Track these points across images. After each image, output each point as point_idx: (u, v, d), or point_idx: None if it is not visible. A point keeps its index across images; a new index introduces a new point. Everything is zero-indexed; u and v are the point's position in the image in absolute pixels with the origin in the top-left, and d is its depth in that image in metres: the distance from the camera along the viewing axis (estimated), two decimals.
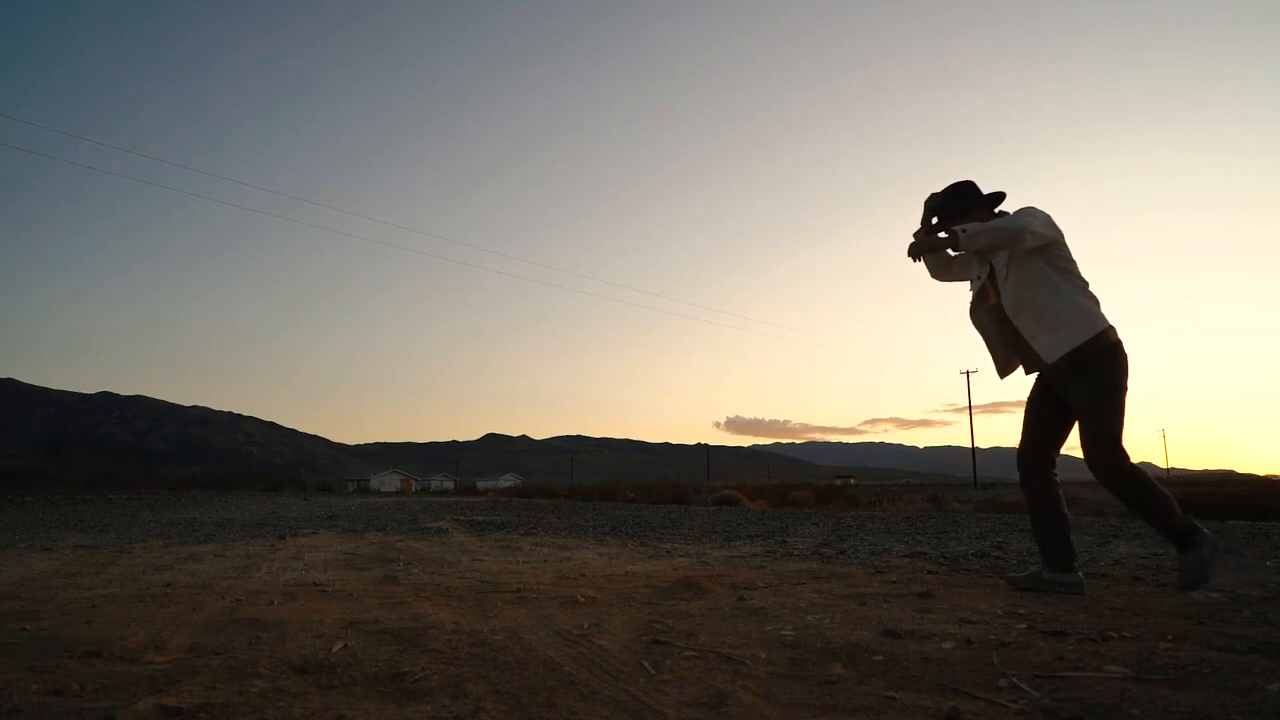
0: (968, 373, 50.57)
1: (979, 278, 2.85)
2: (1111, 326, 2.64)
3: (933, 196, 2.87)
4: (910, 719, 1.27)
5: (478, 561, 4.18)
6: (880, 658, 1.67)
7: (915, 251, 2.89)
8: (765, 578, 3.19)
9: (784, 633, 1.94)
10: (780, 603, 2.45)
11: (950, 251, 2.92)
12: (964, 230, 2.61)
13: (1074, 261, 2.69)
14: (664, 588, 2.88)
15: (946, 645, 1.78)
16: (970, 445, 50.43)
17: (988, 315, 2.83)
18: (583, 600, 2.57)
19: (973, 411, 49.99)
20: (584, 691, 1.43)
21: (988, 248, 2.64)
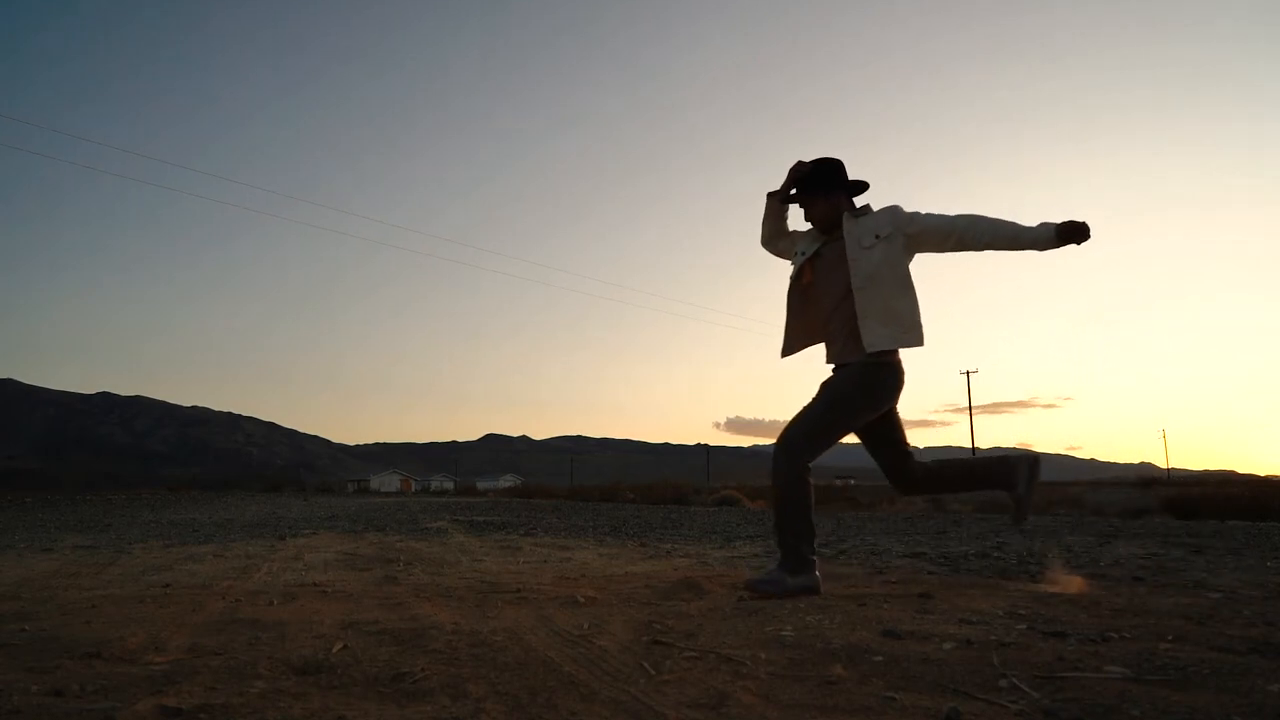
0: (968, 373, 50.54)
1: (802, 254, 2.84)
2: (920, 344, 2.67)
3: (800, 165, 2.82)
4: (910, 719, 1.27)
5: (478, 562, 4.18)
6: (880, 658, 1.67)
7: (770, 207, 2.93)
8: None
9: (784, 633, 1.94)
10: (780, 603, 2.45)
11: (792, 223, 2.96)
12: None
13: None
14: (664, 588, 2.88)
15: (946, 646, 1.77)
16: (970, 445, 50.42)
17: (797, 294, 2.85)
18: (583, 600, 2.57)
19: (973, 412, 49.95)
20: (584, 692, 1.43)
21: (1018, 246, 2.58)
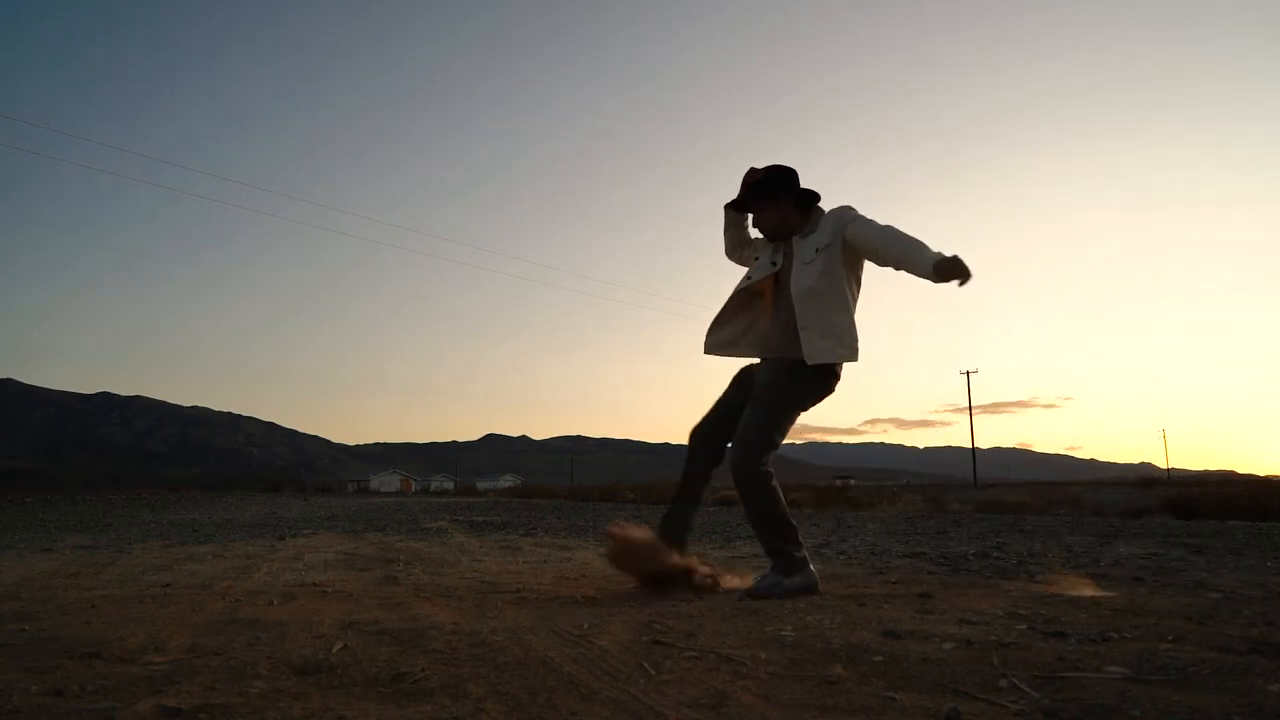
0: (968, 373, 50.60)
1: (772, 264, 2.82)
2: (855, 359, 2.71)
3: (753, 171, 2.81)
4: (910, 719, 1.27)
5: (478, 562, 4.18)
6: (880, 658, 1.67)
7: (728, 217, 2.96)
8: None
9: (784, 633, 1.94)
10: (780, 603, 2.45)
11: (752, 232, 2.98)
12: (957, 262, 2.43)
13: (860, 283, 2.76)
14: (664, 588, 2.87)
15: (946, 646, 1.77)
16: (970, 445, 50.44)
17: (745, 299, 2.85)
18: (583, 600, 2.57)
19: (973, 412, 50.07)
20: (584, 692, 1.43)
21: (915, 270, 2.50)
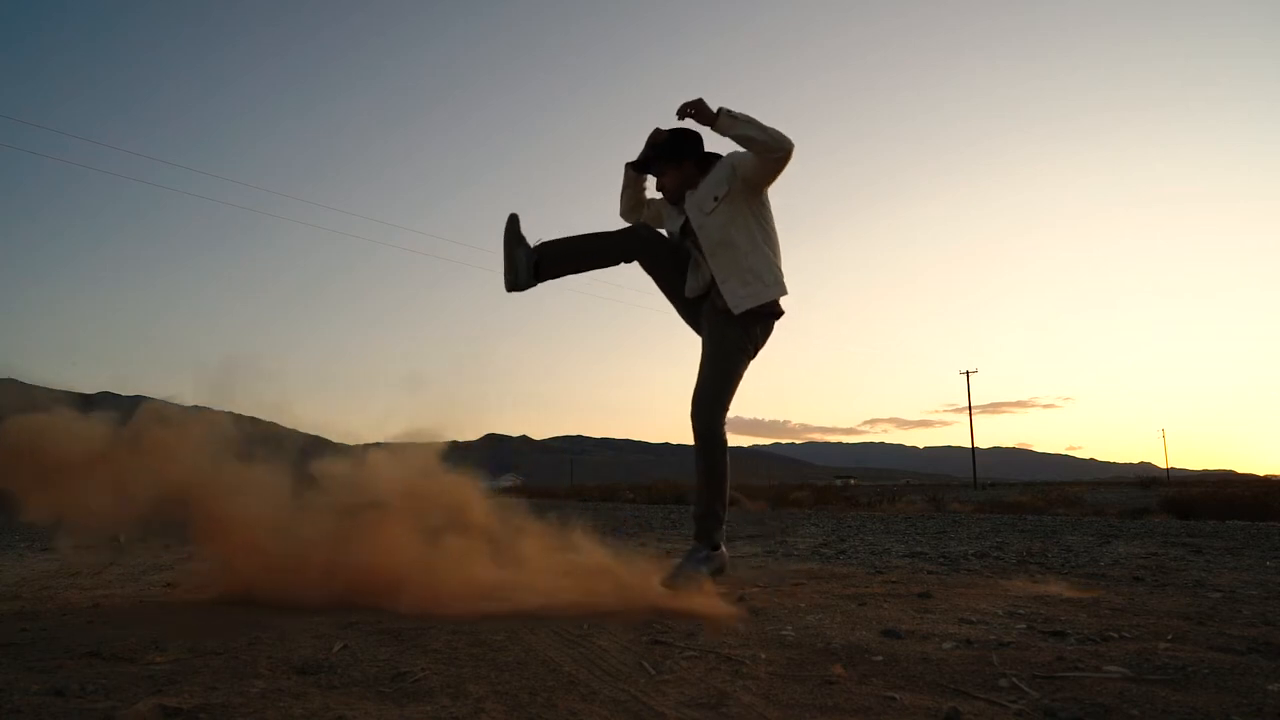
0: (967, 373, 50.59)
1: (671, 234, 2.81)
2: (784, 294, 2.69)
3: (657, 132, 2.77)
4: (910, 719, 1.27)
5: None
6: (880, 658, 1.67)
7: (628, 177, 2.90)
8: (765, 578, 3.19)
9: (784, 633, 1.94)
10: (780, 603, 2.45)
11: (649, 194, 2.94)
12: (730, 111, 2.52)
13: (772, 217, 2.71)
14: None
15: (946, 645, 1.78)
16: (970, 445, 50.43)
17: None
18: (583, 600, 2.57)
19: (972, 412, 50.06)
20: (584, 692, 1.44)
21: (742, 138, 2.53)
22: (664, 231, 2.88)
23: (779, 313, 2.71)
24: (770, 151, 2.51)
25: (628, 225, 2.84)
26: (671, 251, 2.80)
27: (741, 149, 2.59)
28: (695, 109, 2.56)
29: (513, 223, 2.68)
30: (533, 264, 2.66)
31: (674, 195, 2.80)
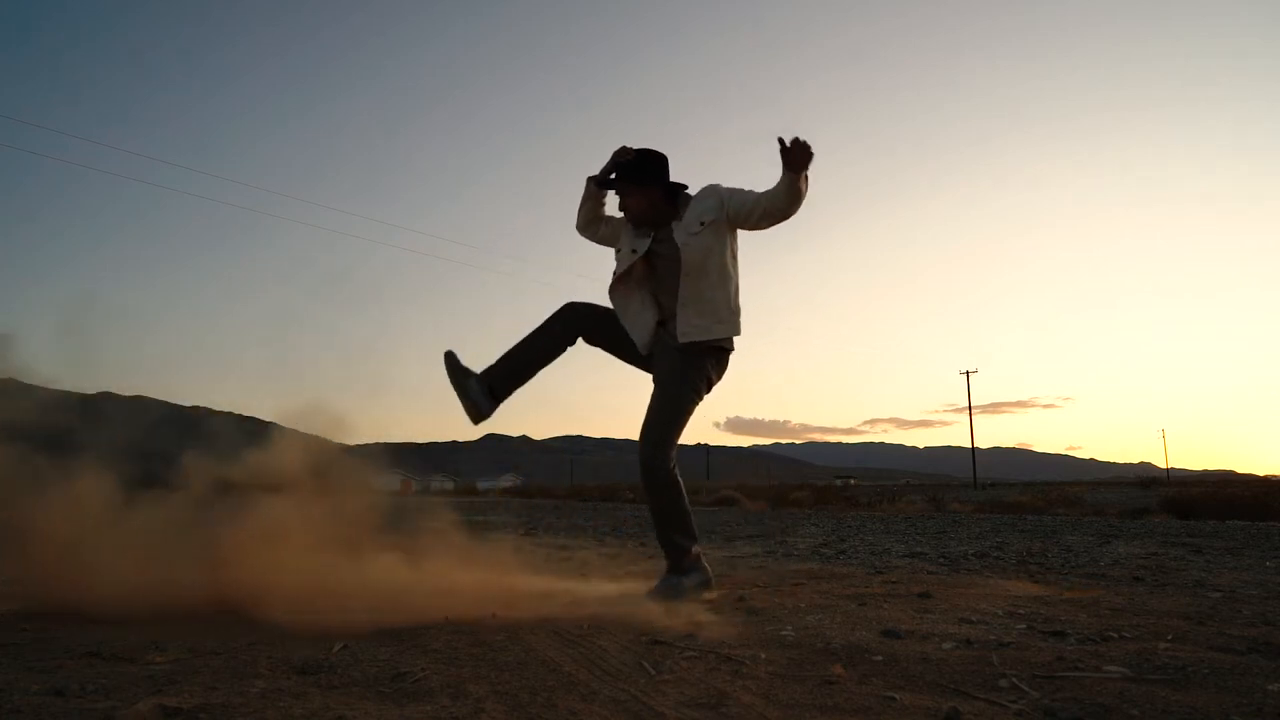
0: (967, 373, 50.58)
1: (633, 251, 2.73)
2: (735, 334, 2.68)
3: (624, 150, 2.73)
4: (910, 719, 1.28)
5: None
6: (880, 658, 1.67)
7: (589, 191, 2.86)
8: (765, 578, 3.19)
9: (784, 633, 1.94)
10: (780, 603, 2.45)
11: (607, 210, 2.91)
12: (807, 178, 2.50)
13: (738, 255, 2.73)
14: None
15: (946, 645, 1.78)
16: (970, 445, 50.44)
17: (635, 285, 2.74)
18: (582, 600, 2.57)
19: (972, 412, 50.04)
20: (584, 692, 1.44)
21: (791, 194, 2.52)
22: (623, 250, 2.79)
23: (730, 348, 2.71)
24: (784, 218, 2.57)
25: (558, 311, 2.76)
26: (607, 314, 2.77)
27: (728, 187, 2.64)
28: (805, 152, 2.45)
29: (451, 360, 2.67)
30: (486, 390, 2.66)
31: (637, 219, 2.74)
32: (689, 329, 2.59)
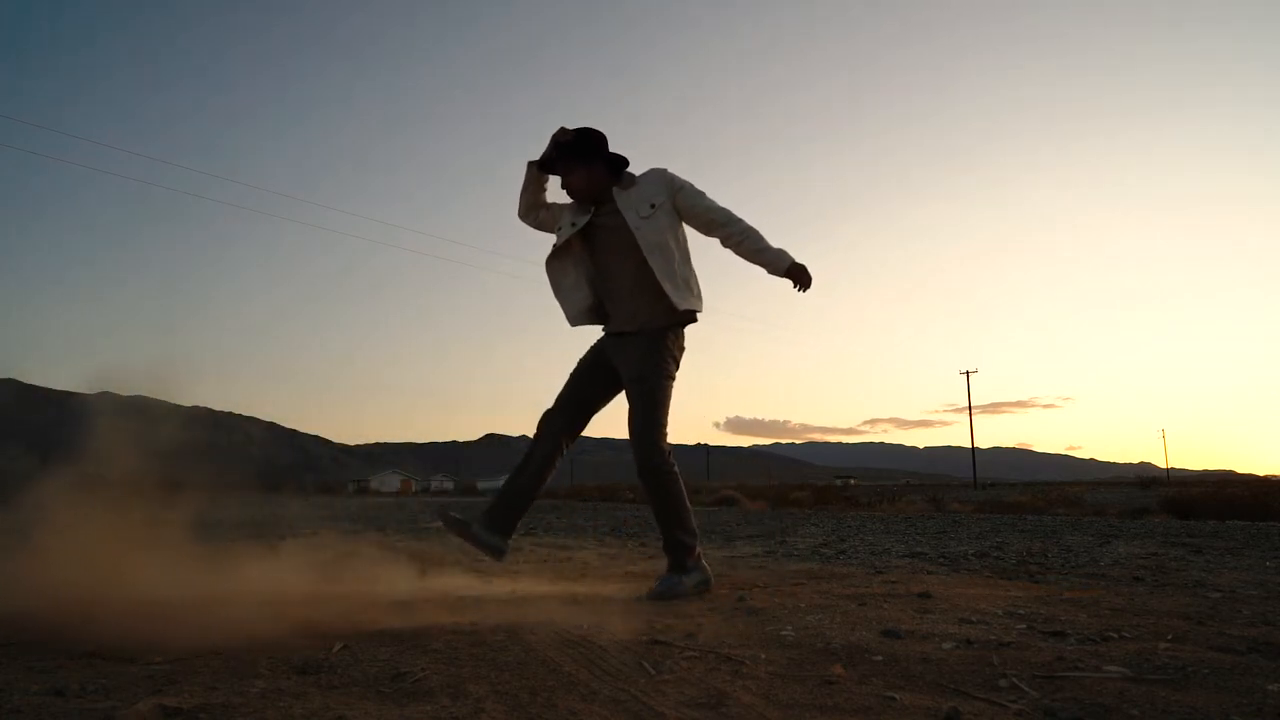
0: (967, 373, 50.59)
1: (573, 224, 2.77)
2: (701, 309, 2.75)
3: (563, 131, 2.73)
4: (910, 719, 1.28)
5: (478, 561, 4.18)
6: (880, 658, 1.67)
7: (529, 176, 2.86)
8: (765, 578, 3.19)
9: (784, 633, 1.94)
10: (780, 603, 2.45)
11: (548, 197, 2.92)
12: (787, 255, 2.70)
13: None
14: None
15: (946, 645, 1.78)
16: (970, 445, 50.43)
17: (573, 263, 2.80)
18: (583, 600, 2.57)
19: (972, 412, 50.05)
20: (584, 692, 1.44)
21: (761, 258, 2.71)
22: (558, 233, 2.83)
23: (690, 320, 2.75)
24: (723, 241, 2.73)
25: (536, 432, 2.80)
26: (573, 387, 2.80)
27: (678, 179, 2.73)
28: (807, 281, 2.72)
29: (448, 520, 2.75)
30: (494, 531, 2.72)
31: (582, 195, 2.77)
32: (681, 298, 2.64)
